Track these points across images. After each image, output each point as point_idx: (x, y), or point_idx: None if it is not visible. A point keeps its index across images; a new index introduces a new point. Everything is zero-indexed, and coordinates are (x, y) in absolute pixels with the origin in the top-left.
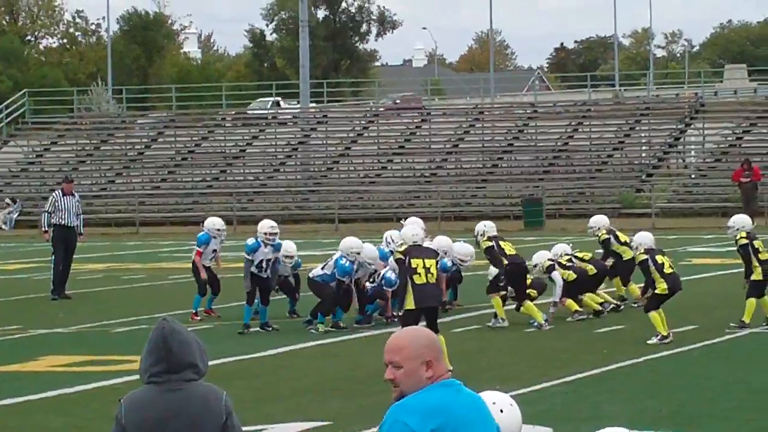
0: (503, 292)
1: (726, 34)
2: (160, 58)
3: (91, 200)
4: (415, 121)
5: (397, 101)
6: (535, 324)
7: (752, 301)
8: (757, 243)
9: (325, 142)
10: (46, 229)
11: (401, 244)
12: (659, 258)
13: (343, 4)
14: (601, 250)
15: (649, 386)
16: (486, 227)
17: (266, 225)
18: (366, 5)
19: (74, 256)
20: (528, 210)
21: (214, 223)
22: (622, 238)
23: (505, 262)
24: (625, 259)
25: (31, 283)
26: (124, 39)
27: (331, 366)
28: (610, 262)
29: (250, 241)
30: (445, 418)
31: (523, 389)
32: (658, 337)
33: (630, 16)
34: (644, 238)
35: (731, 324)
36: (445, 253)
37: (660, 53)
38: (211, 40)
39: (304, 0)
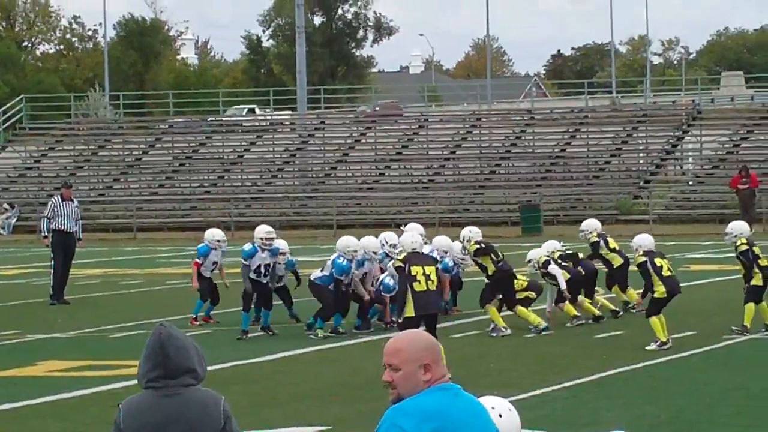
0: (495, 301)
1: (723, 42)
2: (156, 64)
3: (88, 206)
4: (412, 127)
5: (377, 108)
6: (533, 328)
7: (751, 305)
8: (756, 249)
9: (322, 148)
10: (46, 234)
11: (400, 252)
12: (658, 261)
13: (340, 11)
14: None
15: (648, 392)
16: (471, 233)
17: (262, 230)
18: (362, 12)
19: (72, 262)
20: (525, 216)
21: (213, 234)
22: (612, 244)
23: (493, 268)
24: (615, 266)
25: (30, 288)
26: (121, 45)
27: (329, 371)
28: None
29: (247, 246)
30: (441, 421)
31: (522, 395)
32: (657, 343)
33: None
34: (644, 240)
35: (733, 328)
36: (446, 253)
37: (657, 60)
38: (208, 46)
39: (301, 6)
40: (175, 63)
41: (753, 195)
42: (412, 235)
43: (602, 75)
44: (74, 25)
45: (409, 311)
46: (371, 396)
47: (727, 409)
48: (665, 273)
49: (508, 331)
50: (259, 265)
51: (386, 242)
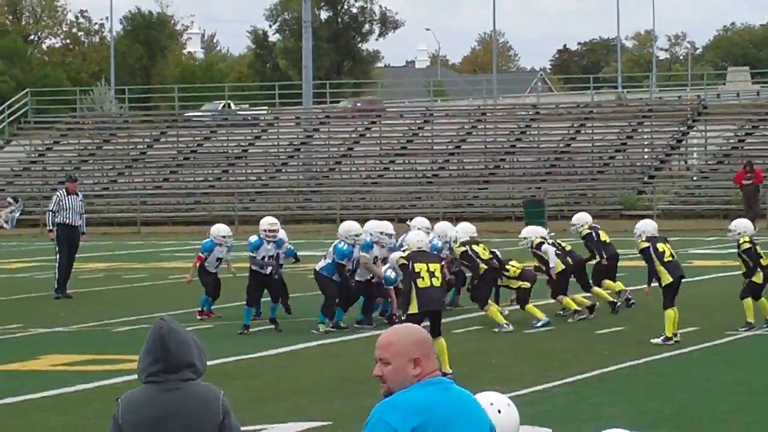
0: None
1: (729, 37)
2: (162, 58)
3: (93, 200)
4: (417, 122)
5: (358, 104)
6: (501, 327)
7: (748, 300)
8: (758, 248)
9: (327, 142)
10: (51, 228)
11: (405, 249)
12: (660, 246)
13: (345, 5)
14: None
15: (650, 388)
16: (459, 232)
17: (266, 222)
18: (368, 6)
19: (76, 256)
20: (530, 211)
21: (219, 230)
22: (603, 237)
23: (483, 266)
24: (599, 260)
25: (33, 282)
26: (127, 39)
27: (331, 366)
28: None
29: (253, 238)
30: (428, 415)
31: (523, 390)
32: (662, 338)
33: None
34: (647, 226)
35: (739, 328)
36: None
37: (663, 55)
38: (215, 40)
39: (307, 1)
40: (182, 57)
41: (757, 190)
42: (418, 234)
43: (608, 70)
44: (81, 20)
45: (413, 308)
46: (373, 391)
47: (729, 405)
48: (667, 258)
49: (510, 327)
50: (264, 257)
51: (379, 231)
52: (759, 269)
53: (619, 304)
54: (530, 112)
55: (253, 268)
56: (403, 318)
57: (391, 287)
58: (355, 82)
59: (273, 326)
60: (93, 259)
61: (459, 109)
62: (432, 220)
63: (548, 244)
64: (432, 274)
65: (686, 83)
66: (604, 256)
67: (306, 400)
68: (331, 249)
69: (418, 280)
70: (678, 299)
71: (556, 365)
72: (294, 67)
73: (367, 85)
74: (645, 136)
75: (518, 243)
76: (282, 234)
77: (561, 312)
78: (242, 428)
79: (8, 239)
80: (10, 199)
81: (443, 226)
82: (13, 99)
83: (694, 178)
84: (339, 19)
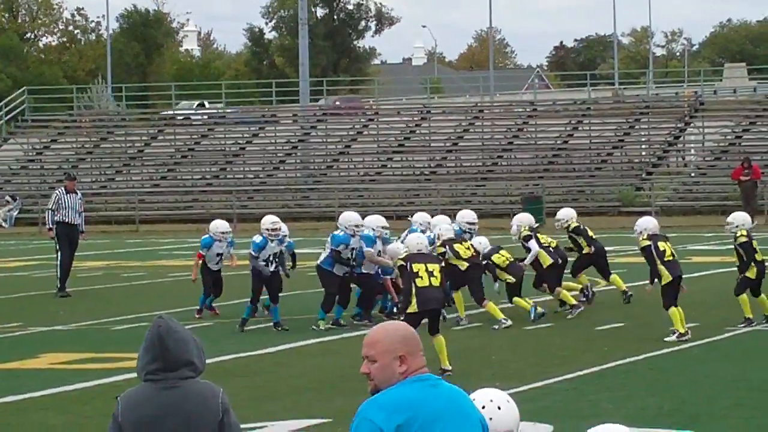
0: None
1: (725, 33)
2: (159, 56)
3: (91, 198)
4: (415, 119)
5: (337, 102)
6: (500, 322)
7: (744, 297)
8: (754, 243)
9: (325, 140)
10: (51, 226)
11: (403, 251)
12: (661, 244)
13: (341, 2)
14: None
15: (650, 384)
16: (442, 229)
17: (268, 221)
18: (364, 2)
19: (75, 254)
20: (528, 208)
21: (217, 226)
22: (590, 233)
23: (466, 265)
24: (584, 252)
25: (32, 281)
26: (123, 37)
27: (330, 363)
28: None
29: (258, 238)
30: (413, 412)
31: (523, 386)
32: (676, 335)
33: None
34: (648, 223)
35: (738, 325)
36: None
37: (660, 52)
38: (211, 38)
39: None
40: (179, 55)
41: (755, 186)
42: (419, 236)
43: (605, 67)
44: (77, 18)
45: (412, 307)
46: None
47: (729, 401)
48: (667, 257)
49: (509, 322)
50: (269, 255)
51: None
52: (753, 264)
53: (580, 308)
54: (527, 109)
55: (256, 267)
56: (401, 319)
57: (388, 277)
58: (352, 79)
59: (279, 329)
60: (91, 258)
61: (456, 106)
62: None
63: (534, 238)
64: (431, 274)
65: (683, 80)
66: (592, 249)
67: (306, 397)
68: (328, 239)
69: (417, 280)
70: (678, 296)
71: (556, 362)
72: (291, 65)
73: (363, 83)
74: (642, 133)
75: (510, 228)
76: (284, 228)
77: (560, 309)
78: (242, 426)
79: (7, 238)
80: (8, 198)
81: (440, 219)
82: (10, 97)
83: (692, 175)
84: (335, 17)
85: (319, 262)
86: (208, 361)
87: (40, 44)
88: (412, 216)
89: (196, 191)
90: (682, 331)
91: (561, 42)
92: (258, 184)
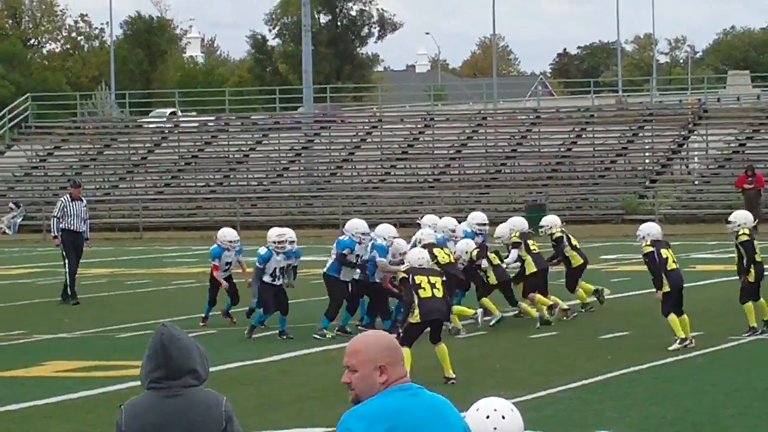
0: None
1: (729, 41)
2: (163, 62)
3: (94, 205)
4: (418, 126)
5: (316, 111)
6: (452, 327)
7: (749, 305)
8: (755, 242)
9: (328, 147)
10: (56, 234)
11: (405, 265)
12: (664, 252)
13: (344, 9)
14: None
15: (653, 393)
16: (423, 234)
17: (274, 233)
18: (367, 9)
19: (80, 261)
20: (531, 216)
21: (225, 235)
22: (574, 242)
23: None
24: (574, 266)
25: (36, 288)
26: (127, 43)
27: (334, 372)
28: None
29: (262, 250)
30: (394, 422)
31: (527, 395)
32: (678, 341)
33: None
34: (651, 229)
35: (743, 334)
36: (453, 232)
37: (663, 59)
38: (215, 45)
39: (307, 4)
40: (183, 61)
41: (759, 194)
42: (420, 251)
43: (608, 74)
44: (81, 24)
45: (415, 317)
46: None
47: (733, 410)
48: (670, 266)
49: (498, 314)
50: (275, 269)
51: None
52: (753, 264)
53: (575, 314)
54: (531, 117)
55: (265, 279)
56: (400, 331)
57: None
58: (355, 86)
59: (284, 338)
60: (95, 265)
61: (459, 114)
62: None
63: (524, 245)
64: (433, 286)
65: (687, 87)
66: (572, 265)
67: (309, 406)
68: (334, 245)
69: (420, 291)
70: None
71: (560, 370)
72: (294, 72)
73: (367, 90)
74: (646, 141)
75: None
76: (291, 234)
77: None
78: None
79: (10, 245)
80: (11, 205)
81: (447, 221)
82: (13, 104)
83: (696, 183)
84: (338, 23)
85: (325, 269)
86: (212, 369)
87: (44, 51)
88: (421, 218)
89: (200, 198)
90: (683, 336)
91: (564, 49)
92: (262, 191)
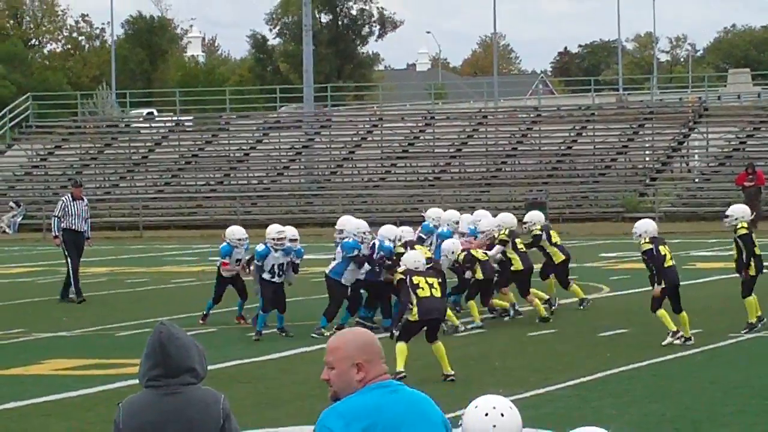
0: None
1: (730, 39)
2: (163, 62)
3: (95, 204)
4: (419, 125)
5: (284, 114)
6: (449, 325)
7: (749, 300)
8: (753, 235)
9: (329, 146)
10: (57, 234)
11: (401, 267)
12: (662, 249)
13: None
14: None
15: (653, 390)
16: (404, 231)
17: (273, 230)
18: (367, 8)
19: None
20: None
21: (234, 233)
22: (555, 238)
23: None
24: (556, 262)
25: (36, 287)
26: (128, 43)
27: None
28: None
29: (260, 247)
30: (373, 419)
31: (526, 393)
32: (670, 335)
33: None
34: (648, 226)
35: (743, 331)
36: (457, 224)
37: (664, 57)
38: (216, 44)
39: (308, 4)
40: (184, 61)
41: (759, 192)
42: (416, 254)
43: (609, 72)
44: (81, 24)
45: (414, 315)
46: None
47: (732, 407)
48: (668, 263)
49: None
50: (273, 265)
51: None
52: (752, 258)
53: (554, 306)
54: (531, 115)
55: (264, 276)
56: (395, 333)
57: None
58: (356, 85)
59: (283, 335)
60: (95, 264)
61: (460, 112)
62: None
63: (511, 243)
64: (431, 286)
65: (687, 85)
66: (553, 260)
67: (308, 404)
68: (338, 249)
69: (419, 290)
70: (682, 302)
71: (559, 368)
72: (295, 71)
73: (368, 89)
74: (646, 139)
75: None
76: (294, 232)
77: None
78: None
79: (10, 244)
80: (12, 204)
81: (451, 214)
82: (14, 103)
83: (696, 181)
84: (339, 22)
85: (327, 271)
86: (211, 367)
87: (45, 51)
88: (425, 211)
89: (200, 197)
90: (673, 329)
91: (565, 48)
92: (262, 190)
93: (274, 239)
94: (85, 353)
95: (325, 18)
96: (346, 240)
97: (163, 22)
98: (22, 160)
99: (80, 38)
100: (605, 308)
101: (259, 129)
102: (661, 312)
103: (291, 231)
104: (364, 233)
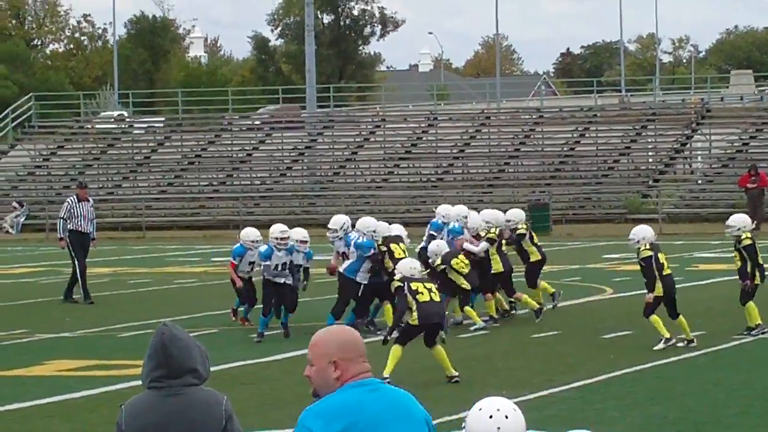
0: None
1: (732, 40)
2: (166, 62)
3: (97, 204)
4: (421, 126)
5: (270, 116)
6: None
7: (750, 305)
8: (756, 245)
9: (331, 146)
10: (62, 236)
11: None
12: (661, 257)
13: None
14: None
15: (656, 392)
16: (380, 225)
17: (276, 230)
18: (369, 8)
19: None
20: (534, 215)
21: (248, 234)
22: (536, 239)
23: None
24: (532, 260)
25: (38, 287)
26: (130, 43)
27: None
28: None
29: (263, 248)
30: (352, 419)
31: (529, 395)
32: (663, 341)
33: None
34: (647, 232)
35: (743, 332)
36: (465, 218)
37: (666, 59)
38: (218, 45)
39: (310, 4)
40: (186, 61)
41: (762, 194)
42: (411, 261)
43: (611, 73)
44: (84, 24)
45: (414, 320)
46: None
47: (735, 409)
48: (665, 272)
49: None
50: (277, 265)
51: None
52: (756, 267)
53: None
54: (534, 116)
55: (266, 276)
56: (388, 338)
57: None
58: (359, 86)
59: (283, 331)
60: (98, 264)
61: (463, 113)
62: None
63: (497, 243)
64: (430, 291)
65: (690, 86)
66: (530, 259)
67: None
68: (351, 248)
69: (418, 296)
70: (683, 304)
71: (562, 370)
72: (297, 72)
73: (370, 89)
74: (649, 140)
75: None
76: (304, 234)
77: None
78: None
79: (14, 244)
80: (15, 204)
81: (460, 208)
82: (17, 103)
83: (699, 182)
84: (341, 23)
85: (342, 269)
86: (214, 368)
87: (47, 51)
88: (436, 208)
89: (203, 198)
90: (666, 335)
91: (567, 49)
92: (264, 190)
93: (277, 239)
94: (87, 354)
95: (326, 18)
96: (358, 240)
97: (165, 22)
98: (25, 161)
99: (82, 38)
100: (608, 310)
101: (260, 129)
102: (654, 318)
103: (301, 233)
104: (373, 231)
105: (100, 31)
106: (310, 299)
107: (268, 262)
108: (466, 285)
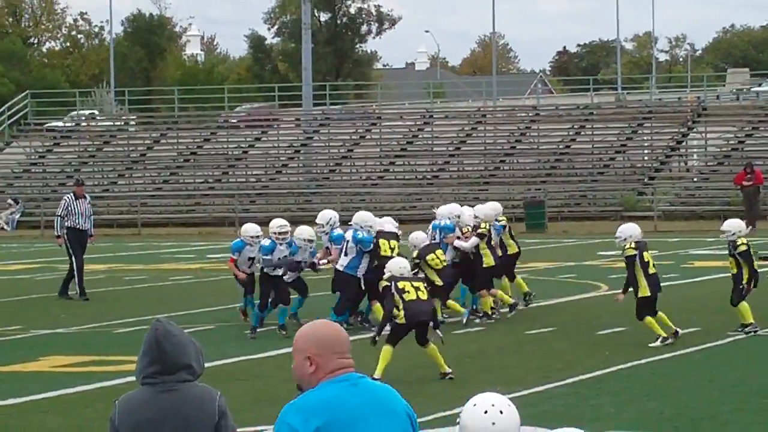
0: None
1: (729, 39)
2: (162, 60)
3: (93, 201)
4: (417, 123)
5: (246, 114)
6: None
7: (744, 303)
8: (751, 250)
9: (327, 144)
10: (59, 233)
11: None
12: (646, 255)
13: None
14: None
15: (651, 388)
16: (375, 221)
17: (276, 224)
18: (365, 6)
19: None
20: (530, 213)
21: (248, 230)
22: (514, 232)
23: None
24: (509, 253)
25: (34, 284)
26: (126, 41)
27: None
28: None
29: (266, 242)
30: (332, 414)
31: (524, 391)
32: (659, 340)
33: (632, 20)
34: (634, 230)
35: (746, 330)
36: (458, 218)
37: (663, 57)
38: (215, 43)
39: (307, 2)
40: (183, 59)
41: (758, 192)
42: (401, 261)
43: (607, 72)
44: (80, 22)
45: (400, 319)
46: None
47: (730, 406)
48: (651, 270)
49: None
50: (278, 258)
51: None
52: (749, 271)
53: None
54: (530, 114)
55: (265, 270)
56: (377, 339)
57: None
58: (355, 84)
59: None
60: (93, 261)
61: (459, 111)
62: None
63: (487, 238)
64: (417, 289)
65: (686, 85)
66: (508, 252)
67: None
68: (351, 243)
69: (405, 294)
70: (678, 301)
71: (557, 366)
72: (293, 70)
73: (367, 87)
74: (645, 138)
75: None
76: (310, 233)
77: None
78: (244, 430)
79: (9, 241)
80: (10, 201)
81: (453, 207)
82: (13, 101)
83: (695, 180)
84: (338, 21)
85: (340, 266)
86: (209, 364)
87: (44, 48)
88: (436, 207)
89: (199, 195)
90: (663, 335)
91: (564, 47)
92: (260, 188)
93: (276, 233)
94: (83, 350)
95: (323, 17)
96: (358, 235)
97: (162, 20)
98: (21, 158)
99: (79, 36)
100: (603, 307)
101: (255, 127)
102: (649, 319)
103: (308, 231)
104: (371, 226)
105: (96, 29)
106: (310, 297)
107: (269, 256)
108: (438, 281)
